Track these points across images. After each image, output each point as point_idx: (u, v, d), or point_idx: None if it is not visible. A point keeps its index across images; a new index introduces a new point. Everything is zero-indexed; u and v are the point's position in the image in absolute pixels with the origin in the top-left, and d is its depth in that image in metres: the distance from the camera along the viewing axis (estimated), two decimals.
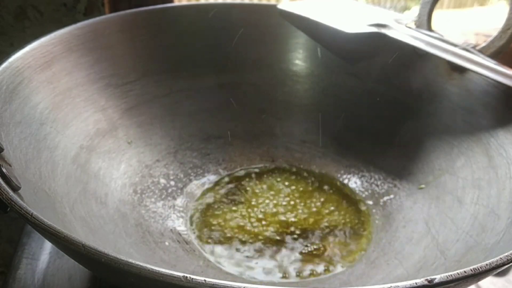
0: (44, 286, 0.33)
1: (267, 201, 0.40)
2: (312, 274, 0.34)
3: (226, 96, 0.46)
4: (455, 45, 0.38)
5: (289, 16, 0.43)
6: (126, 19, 0.43)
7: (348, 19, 0.41)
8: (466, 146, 0.37)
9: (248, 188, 0.42)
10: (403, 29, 0.40)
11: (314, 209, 0.40)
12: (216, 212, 0.39)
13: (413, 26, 0.42)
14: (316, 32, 0.43)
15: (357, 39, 0.40)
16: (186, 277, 0.18)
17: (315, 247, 0.36)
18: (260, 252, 0.36)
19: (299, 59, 0.48)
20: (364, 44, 0.41)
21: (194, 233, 0.37)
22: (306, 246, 0.36)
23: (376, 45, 0.40)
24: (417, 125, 0.42)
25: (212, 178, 0.42)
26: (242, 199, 0.40)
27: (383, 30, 0.39)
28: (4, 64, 0.32)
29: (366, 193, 0.41)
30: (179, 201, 0.39)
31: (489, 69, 0.35)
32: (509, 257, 0.22)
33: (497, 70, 0.35)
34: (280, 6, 0.44)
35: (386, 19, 0.41)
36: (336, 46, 0.43)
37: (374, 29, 0.39)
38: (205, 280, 0.18)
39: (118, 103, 0.41)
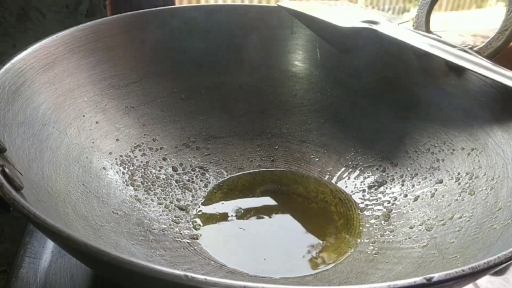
0: (46, 285, 0.33)
1: (268, 200, 0.41)
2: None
3: (227, 97, 0.46)
4: (452, 46, 0.38)
5: (289, 10, 0.46)
6: (127, 20, 0.43)
7: (342, 16, 0.43)
8: (464, 146, 0.38)
9: (249, 188, 0.42)
10: (394, 27, 0.41)
11: (315, 209, 0.40)
12: (218, 212, 0.39)
13: (410, 26, 0.43)
14: (313, 25, 0.46)
15: (348, 33, 0.42)
16: (187, 275, 0.19)
17: (314, 245, 0.36)
18: (261, 250, 0.36)
19: (299, 60, 0.48)
20: (356, 37, 0.43)
21: (195, 231, 0.37)
22: (307, 244, 0.37)
23: (368, 39, 0.42)
24: (415, 125, 0.42)
25: (213, 178, 0.43)
26: (243, 199, 0.41)
27: (374, 27, 0.41)
28: (7, 66, 0.33)
29: (366, 192, 0.41)
30: (180, 201, 0.40)
31: (486, 68, 0.36)
32: (507, 256, 0.22)
33: (494, 69, 0.36)
34: (281, 3, 0.46)
35: (378, 18, 0.42)
36: (330, 38, 0.46)
37: (365, 25, 0.41)
38: (206, 279, 0.19)
39: (120, 103, 0.42)
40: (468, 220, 0.33)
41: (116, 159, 0.39)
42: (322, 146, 0.45)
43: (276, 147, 0.46)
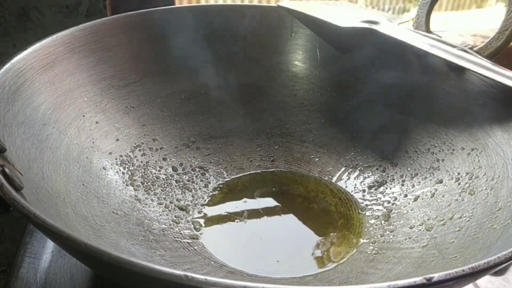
0: (46, 285, 0.33)
1: (268, 200, 0.41)
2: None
3: (226, 97, 0.46)
4: (453, 46, 0.38)
5: (289, 10, 0.46)
6: (127, 20, 0.43)
7: (342, 16, 0.43)
8: (464, 146, 0.38)
9: (249, 188, 0.42)
10: (394, 27, 0.41)
11: (315, 209, 0.40)
12: (218, 211, 0.39)
13: (410, 26, 0.43)
14: (313, 25, 0.47)
15: (348, 33, 0.42)
16: (187, 275, 0.19)
17: (314, 245, 0.36)
18: (261, 250, 0.36)
19: (299, 60, 0.48)
20: (356, 37, 0.43)
21: (195, 231, 0.37)
22: (307, 244, 0.37)
23: (367, 39, 0.42)
24: (415, 125, 0.42)
25: (213, 178, 0.43)
26: (243, 199, 0.41)
27: (374, 27, 0.41)
28: (7, 66, 0.33)
29: (366, 192, 0.41)
30: (180, 201, 0.40)
31: (486, 68, 0.36)
32: (507, 256, 0.22)
33: (494, 69, 0.36)
34: (281, 3, 0.46)
35: (378, 18, 0.42)
36: (330, 38, 0.46)
37: (365, 25, 0.41)
38: (206, 279, 0.19)
39: (120, 103, 0.41)
40: (468, 220, 0.33)
41: (116, 159, 0.39)
42: (322, 146, 0.45)
43: (276, 147, 0.46)
